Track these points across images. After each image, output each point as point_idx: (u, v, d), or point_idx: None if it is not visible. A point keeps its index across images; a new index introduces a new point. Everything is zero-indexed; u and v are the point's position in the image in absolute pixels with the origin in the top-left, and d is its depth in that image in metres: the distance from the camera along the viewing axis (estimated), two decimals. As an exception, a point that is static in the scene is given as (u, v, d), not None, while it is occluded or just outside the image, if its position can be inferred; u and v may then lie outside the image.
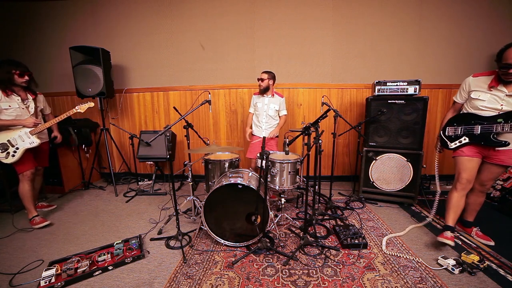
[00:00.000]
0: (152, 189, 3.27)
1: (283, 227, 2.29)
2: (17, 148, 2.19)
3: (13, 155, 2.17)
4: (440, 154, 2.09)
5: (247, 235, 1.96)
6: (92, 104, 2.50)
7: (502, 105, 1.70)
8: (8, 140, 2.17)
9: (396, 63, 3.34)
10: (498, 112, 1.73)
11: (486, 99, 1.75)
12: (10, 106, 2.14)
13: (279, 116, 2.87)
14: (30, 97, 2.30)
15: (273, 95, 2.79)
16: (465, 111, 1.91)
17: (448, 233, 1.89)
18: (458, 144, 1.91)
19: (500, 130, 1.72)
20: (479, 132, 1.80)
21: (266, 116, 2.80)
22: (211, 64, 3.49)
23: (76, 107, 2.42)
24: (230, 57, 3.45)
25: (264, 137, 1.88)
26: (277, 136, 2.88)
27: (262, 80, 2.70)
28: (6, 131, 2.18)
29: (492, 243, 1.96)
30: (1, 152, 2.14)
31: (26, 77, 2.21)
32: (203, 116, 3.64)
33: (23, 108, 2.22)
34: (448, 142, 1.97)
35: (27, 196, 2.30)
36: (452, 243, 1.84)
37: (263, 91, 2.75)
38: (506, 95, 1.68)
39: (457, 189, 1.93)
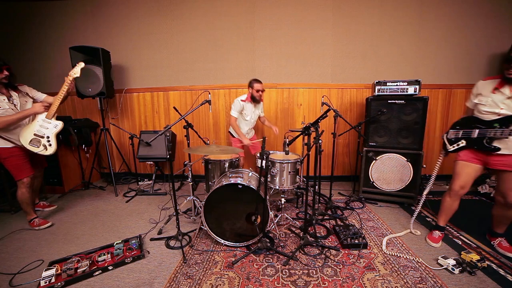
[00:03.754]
0: (152, 189, 3.27)
1: (283, 227, 2.29)
2: (48, 137, 2.14)
3: (50, 145, 2.14)
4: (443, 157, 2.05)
5: (247, 235, 1.96)
6: (82, 64, 2.24)
7: (502, 108, 1.65)
8: (35, 134, 2.12)
9: (396, 63, 3.34)
10: (497, 116, 1.69)
11: (487, 104, 1.72)
12: (0, 106, 2.04)
13: (260, 117, 3.05)
14: (14, 94, 2.15)
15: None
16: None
17: (437, 233, 2.01)
18: (456, 147, 1.89)
19: (493, 135, 1.68)
20: (475, 136, 1.77)
21: (252, 123, 2.96)
22: (211, 64, 3.49)
23: (70, 78, 2.17)
24: (230, 57, 3.45)
25: (264, 137, 1.88)
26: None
27: (263, 91, 2.76)
28: (25, 129, 2.13)
29: None
30: (38, 147, 2.12)
31: (6, 72, 2.03)
32: (203, 116, 3.64)
33: (12, 109, 2.10)
34: (448, 145, 1.95)
35: (26, 201, 2.27)
36: (436, 245, 1.94)
37: (259, 101, 2.84)
38: (507, 97, 1.64)
39: (450, 195, 1.94)
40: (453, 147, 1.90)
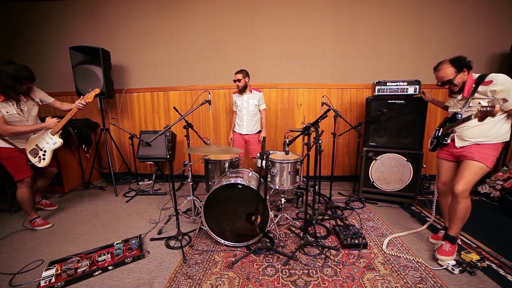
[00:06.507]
0: (152, 189, 3.26)
1: (283, 227, 2.29)
2: (45, 151, 2.20)
3: (44, 158, 2.19)
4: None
5: (247, 235, 1.96)
6: (97, 91, 2.35)
7: (460, 108, 1.77)
8: (36, 145, 2.20)
9: (396, 63, 3.34)
10: None
11: (451, 105, 1.90)
12: (7, 112, 2.02)
13: (259, 111, 2.97)
14: (23, 99, 2.13)
15: (251, 91, 2.89)
16: None
17: (442, 232, 2.01)
18: (432, 146, 1.98)
19: (444, 131, 1.83)
20: (439, 134, 1.89)
21: (247, 112, 2.89)
22: (211, 64, 3.49)
23: (82, 101, 2.23)
24: (230, 57, 3.45)
25: (264, 137, 1.88)
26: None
27: (239, 80, 2.77)
28: (33, 138, 2.20)
29: (445, 260, 1.72)
30: (34, 157, 2.18)
31: (30, 85, 2.11)
32: (203, 116, 3.64)
33: (19, 114, 2.09)
34: (429, 145, 2.05)
35: (27, 201, 2.25)
36: (439, 243, 1.91)
37: (242, 90, 2.84)
38: (460, 100, 1.80)
39: (438, 194, 2.06)
40: (431, 146, 2.01)
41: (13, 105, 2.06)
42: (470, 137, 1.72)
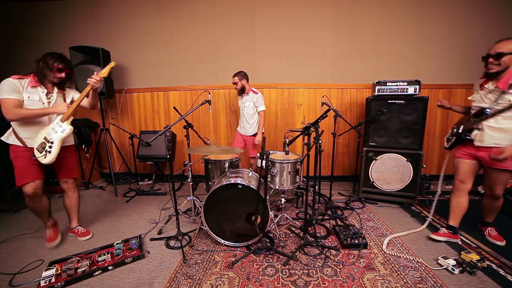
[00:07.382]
0: (152, 189, 3.27)
1: (283, 227, 2.29)
2: (52, 142, 1.85)
3: (50, 152, 1.84)
4: (444, 156, 2.15)
5: (247, 235, 1.96)
6: (113, 64, 2.00)
7: (486, 102, 1.74)
8: (45, 137, 1.87)
9: (396, 63, 3.34)
10: None
11: (476, 99, 1.83)
12: (29, 97, 1.79)
13: (258, 112, 2.94)
14: (56, 90, 1.92)
15: (248, 93, 2.90)
16: None
17: (443, 230, 2.04)
18: (449, 144, 1.98)
19: (468, 127, 1.81)
20: (460, 131, 1.87)
21: (244, 114, 2.96)
22: (211, 64, 3.49)
23: (97, 77, 1.84)
24: (230, 57, 3.45)
25: (264, 138, 1.88)
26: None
27: (235, 83, 2.84)
28: (44, 130, 1.89)
29: (502, 243, 1.95)
30: (40, 152, 1.85)
31: (63, 75, 1.87)
32: (203, 116, 3.64)
33: (43, 103, 1.86)
34: (445, 143, 2.05)
35: (35, 212, 1.98)
36: (435, 237, 1.99)
37: (241, 92, 2.91)
38: (489, 92, 1.73)
39: (452, 191, 2.04)
40: (448, 144, 2.01)
41: (43, 92, 1.86)
42: (492, 137, 1.70)
